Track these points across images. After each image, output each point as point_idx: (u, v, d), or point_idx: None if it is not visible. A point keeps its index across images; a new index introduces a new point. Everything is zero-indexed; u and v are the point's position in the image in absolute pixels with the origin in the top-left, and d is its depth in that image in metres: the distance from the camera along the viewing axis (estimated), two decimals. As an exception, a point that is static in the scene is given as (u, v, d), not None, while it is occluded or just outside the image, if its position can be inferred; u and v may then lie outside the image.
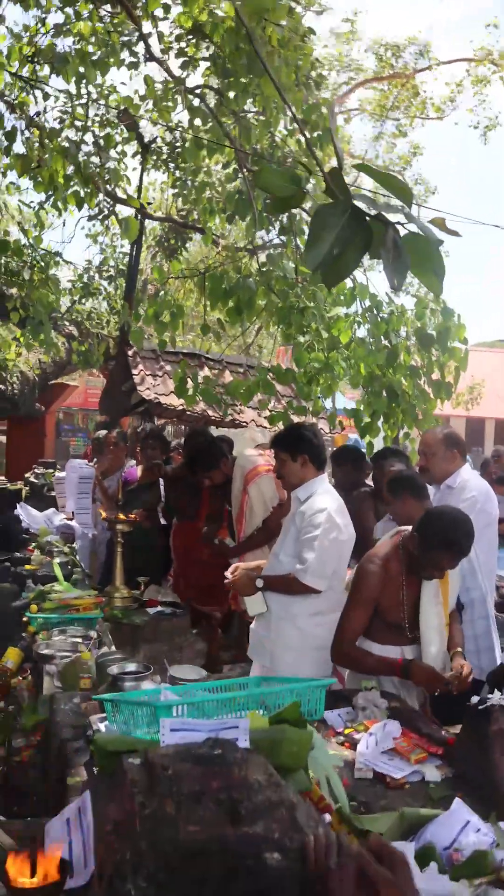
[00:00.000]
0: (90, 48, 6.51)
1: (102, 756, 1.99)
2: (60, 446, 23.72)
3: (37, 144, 6.87)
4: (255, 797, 1.72)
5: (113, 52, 6.32)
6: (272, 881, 1.61)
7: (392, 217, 2.27)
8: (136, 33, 7.09)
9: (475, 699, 2.90)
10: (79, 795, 2.10)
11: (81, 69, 6.35)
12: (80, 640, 4.31)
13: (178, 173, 9.04)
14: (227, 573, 4.99)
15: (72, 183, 6.96)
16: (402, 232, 2.24)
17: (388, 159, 22.47)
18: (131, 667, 3.19)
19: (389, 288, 2.25)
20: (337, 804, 2.33)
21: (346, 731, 3.25)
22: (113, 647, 4.27)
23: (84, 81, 6.32)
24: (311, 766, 2.32)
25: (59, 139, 6.68)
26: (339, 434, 9.60)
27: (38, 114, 6.82)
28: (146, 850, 1.60)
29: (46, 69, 6.66)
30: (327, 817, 2.23)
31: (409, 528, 4.10)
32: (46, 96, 6.79)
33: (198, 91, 7.25)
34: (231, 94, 6.63)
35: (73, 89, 6.68)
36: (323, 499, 4.44)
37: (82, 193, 7.16)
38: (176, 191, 9.19)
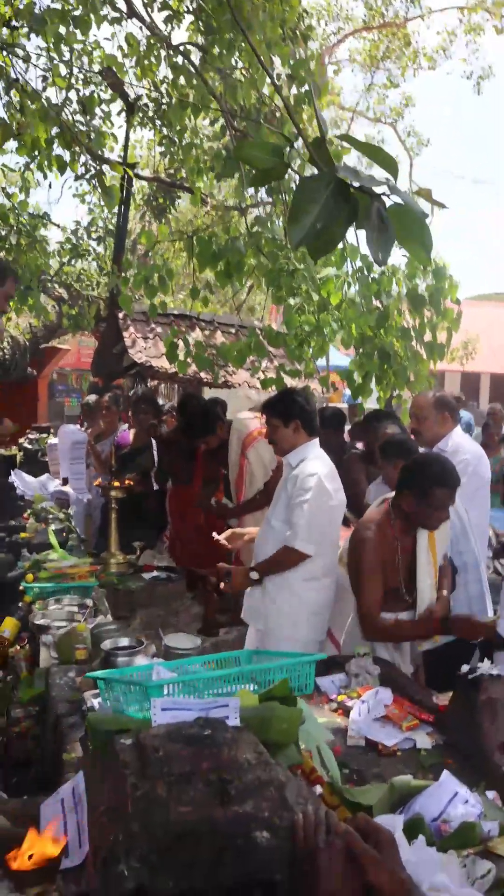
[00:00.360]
0: (70, 5, 6.40)
1: (96, 735, 2.01)
2: (55, 407, 23.69)
3: (18, 109, 6.77)
4: (244, 777, 1.75)
5: (94, 9, 6.20)
6: (262, 860, 1.63)
7: (378, 189, 2.26)
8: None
9: (465, 668, 2.92)
10: (74, 772, 2.13)
11: (62, 29, 6.25)
12: (76, 608, 4.34)
13: (164, 131, 8.91)
14: (221, 537, 5.02)
15: (54, 146, 6.88)
16: (389, 203, 2.23)
17: (379, 111, 22.24)
18: (124, 641, 3.21)
19: (374, 262, 2.23)
20: (328, 775, 2.36)
21: (339, 699, 3.29)
22: (109, 616, 4.30)
23: (63, 42, 6.20)
24: (303, 739, 2.35)
25: (42, 100, 6.57)
26: (334, 393, 9.60)
27: (16, 80, 6.69)
28: (138, 832, 1.62)
29: (25, 30, 6.55)
30: (318, 789, 2.26)
31: (393, 493, 4.15)
32: (27, 57, 6.67)
33: (181, 49, 7.13)
34: (216, 51, 6.53)
35: (52, 51, 6.55)
36: (314, 464, 4.45)
37: (66, 157, 7.08)
38: (163, 149, 9.08)
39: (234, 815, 1.67)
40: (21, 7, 6.48)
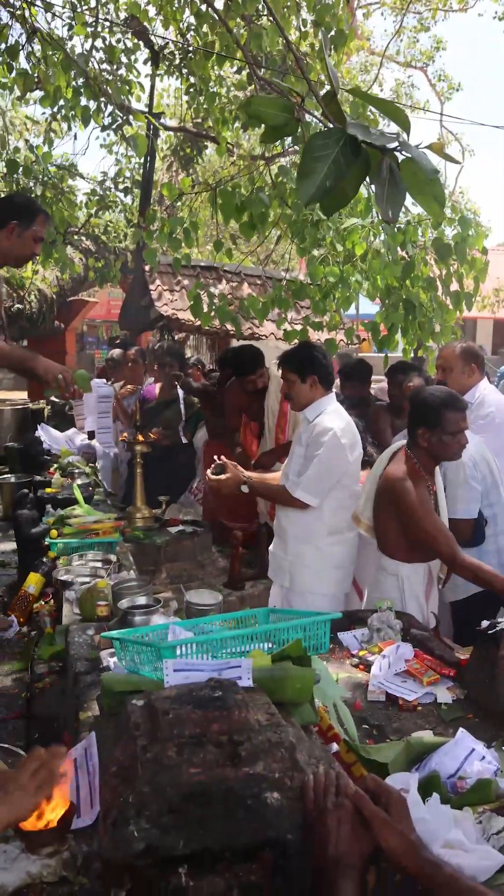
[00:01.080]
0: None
1: (108, 696, 2.02)
2: (85, 359, 23.72)
3: (40, 60, 6.69)
4: (254, 738, 1.75)
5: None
6: (272, 820, 1.64)
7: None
8: None
9: (485, 623, 2.91)
10: (89, 731, 2.14)
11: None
12: (99, 564, 4.36)
13: (191, 79, 8.79)
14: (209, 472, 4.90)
15: (79, 97, 6.81)
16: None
17: (409, 55, 21.78)
18: (142, 600, 3.22)
19: (384, 219, 2.18)
20: (344, 732, 2.37)
21: (361, 654, 3.30)
22: (132, 572, 4.32)
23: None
24: (319, 696, 2.36)
25: (65, 50, 6.49)
26: (363, 343, 9.54)
27: (34, 30, 6.60)
28: (148, 793, 1.63)
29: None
30: (335, 746, 2.27)
31: (403, 443, 4.21)
32: (49, 6, 6.58)
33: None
34: (240, -1, 6.40)
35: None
36: (331, 418, 4.43)
37: (91, 108, 7.01)
38: (188, 98, 8.97)
39: (245, 776, 1.68)
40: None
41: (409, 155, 2.13)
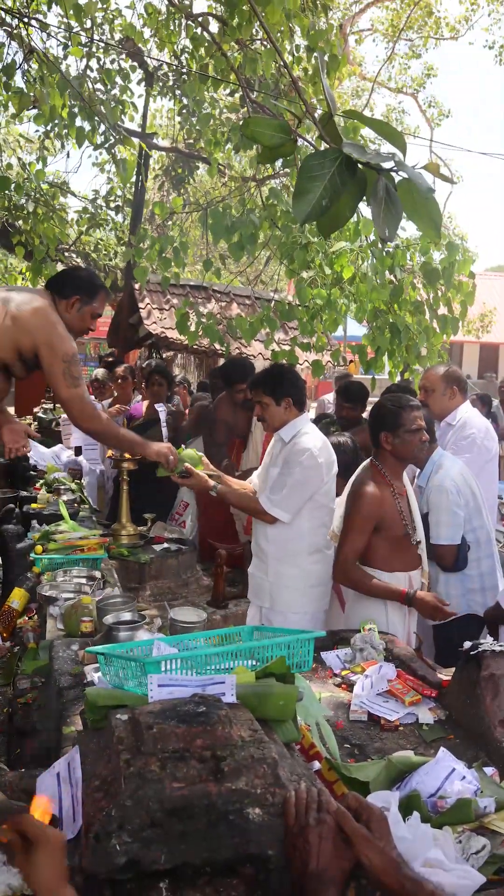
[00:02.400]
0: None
1: (92, 710, 2.03)
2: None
3: (36, 79, 6.75)
4: (237, 754, 1.76)
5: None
6: (254, 836, 1.65)
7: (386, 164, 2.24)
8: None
9: (468, 644, 2.93)
10: (72, 746, 2.15)
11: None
12: (84, 580, 4.36)
13: (184, 100, 8.88)
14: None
15: (75, 118, 6.86)
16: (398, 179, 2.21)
17: (401, 81, 21.99)
18: (127, 615, 3.23)
19: (381, 238, 2.22)
20: (326, 751, 2.38)
21: (344, 673, 3.31)
22: (117, 588, 4.31)
23: (82, 12, 6.16)
24: (301, 715, 2.37)
25: (60, 70, 6.55)
26: (353, 364, 9.62)
27: (31, 50, 6.65)
28: (131, 807, 1.64)
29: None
30: (316, 764, 2.28)
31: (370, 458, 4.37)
32: (45, 26, 6.64)
33: (200, 19, 7.07)
34: (234, 23, 6.47)
35: (71, 19, 6.51)
36: (307, 439, 4.49)
37: (85, 129, 7.06)
38: (181, 119, 9.05)
39: (227, 792, 1.69)
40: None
41: (406, 175, 2.16)
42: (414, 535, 4.26)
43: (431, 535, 4.64)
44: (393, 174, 2.23)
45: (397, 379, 6.73)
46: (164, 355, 11.87)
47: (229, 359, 6.53)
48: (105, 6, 8.70)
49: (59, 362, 4.00)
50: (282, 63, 4.58)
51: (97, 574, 4.43)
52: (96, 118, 6.81)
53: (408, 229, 6.49)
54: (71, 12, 6.13)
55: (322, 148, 2.28)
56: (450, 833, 2.08)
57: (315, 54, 6.35)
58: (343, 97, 18.45)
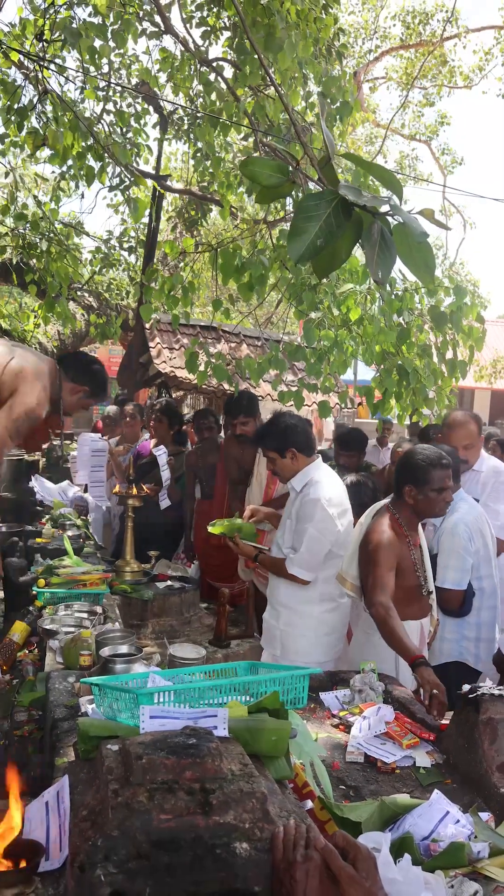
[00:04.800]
0: (106, 20, 6.48)
1: (84, 741, 2.02)
2: (85, 414, 23.72)
3: (50, 119, 6.85)
4: (226, 787, 1.75)
5: (128, 25, 6.27)
6: (241, 871, 1.64)
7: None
8: (153, 4, 7.06)
9: (466, 687, 2.91)
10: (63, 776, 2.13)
11: (98, 42, 6.32)
12: (85, 615, 4.35)
13: (199, 144, 8.99)
14: (245, 516, 5.09)
15: (87, 158, 6.95)
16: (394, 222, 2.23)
17: (414, 128, 22.25)
18: (123, 648, 3.23)
19: (374, 281, 2.24)
20: (320, 791, 2.36)
21: (342, 714, 3.29)
22: (117, 624, 4.30)
23: (97, 56, 6.26)
24: (296, 752, 2.35)
25: (73, 112, 6.64)
26: (361, 406, 9.63)
27: (45, 91, 6.76)
28: (118, 837, 1.63)
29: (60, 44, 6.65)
30: (309, 803, 2.26)
31: (385, 501, 4.31)
32: (62, 69, 6.75)
33: (214, 64, 7.18)
34: (247, 70, 6.56)
35: (87, 63, 6.62)
36: (317, 488, 4.48)
37: (95, 169, 7.15)
38: (195, 163, 9.15)
39: (215, 825, 1.68)
40: (58, 20, 6.57)
41: (401, 219, 2.19)
42: (426, 585, 4.24)
43: (438, 578, 4.62)
44: (388, 218, 2.26)
45: (406, 422, 6.74)
46: (173, 395, 11.93)
47: (230, 394, 6.56)
48: (123, 51, 8.85)
49: (18, 407, 4.18)
50: (288, 109, 4.63)
51: (98, 609, 4.43)
52: (108, 158, 6.89)
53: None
54: (87, 56, 6.23)
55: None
56: (442, 877, 2.05)
57: (316, 96, 6.43)
58: (357, 143, 18.66)
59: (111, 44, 6.65)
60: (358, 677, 3.48)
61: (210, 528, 5.15)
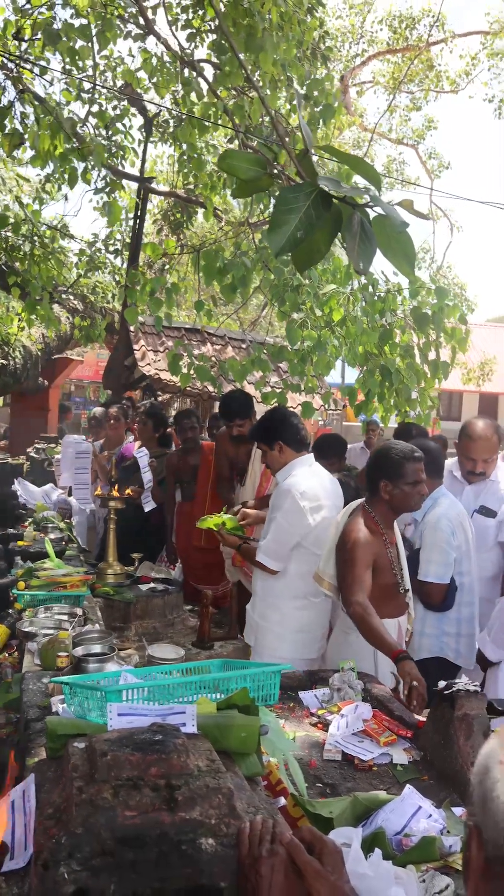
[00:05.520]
0: (87, 21, 6.47)
1: (52, 739, 2.01)
2: (74, 419, 23.76)
3: (31, 120, 6.83)
4: (192, 783, 1.74)
5: (109, 26, 6.26)
6: (206, 867, 1.62)
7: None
8: (136, 6, 7.05)
9: (442, 683, 2.90)
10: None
11: (80, 42, 6.31)
12: (65, 617, 4.33)
13: (184, 146, 9.00)
14: (238, 517, 5.11)
15: (69, 160, 6.94)
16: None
17: (401, 132, 22.31)
18: (97, 648, 3.21)
19: (355, 271, 2.23)
20: (293, 787, 2.35)
21: (320, 713, 3.28)
22: (97, 625, 4.28)
23: (77, 57, 6.25)
24: (269, 749, 2.34)
25: (53, 113, 6.63)
26: (349, 409, 9.66)
27: (22, 91, 6.74)
28: (82, 835, 1.61)
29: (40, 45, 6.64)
30: (282, 800, 2.25)
31: (360, 500, 4.29)
32: (44, 71, 6.74)
33: (196, 66, 7.19)
34: (227, 70, 6.57)
35: (69, 64, 6.61)
36: (295, 479, 4.50)
37: (79, 170, 7.14)
38: (179, 165, 9.16)
39: (180, 821, 1.67)
40: (38, 20, 6.56)
41: (380, 210, 2.18)
42: (402, 583, 4.23)
43: (420, 572, 4.63)
44: (368, 210, 2.26)
45: (390, 424, 6.74)
46: (159, 398, 11.91)
47: (228, 393, 6.51)
48: (108, 53, 8.85)
49: None
50: (268, 109, 4.63)
51: (78, 611, 4.41)
52: (90, 159, 6.88)
53: (398, 274, 6.50)
54: (67, 58, 6.21)
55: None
56: (413, 871, 2.04)
57: (293, 90, 6.44)
58: (344, 147, 18.67)
59: (93, 45, 6.64)
60: (337, 676, 3.47)
61: (198, 524, 5.16)
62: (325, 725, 3.16)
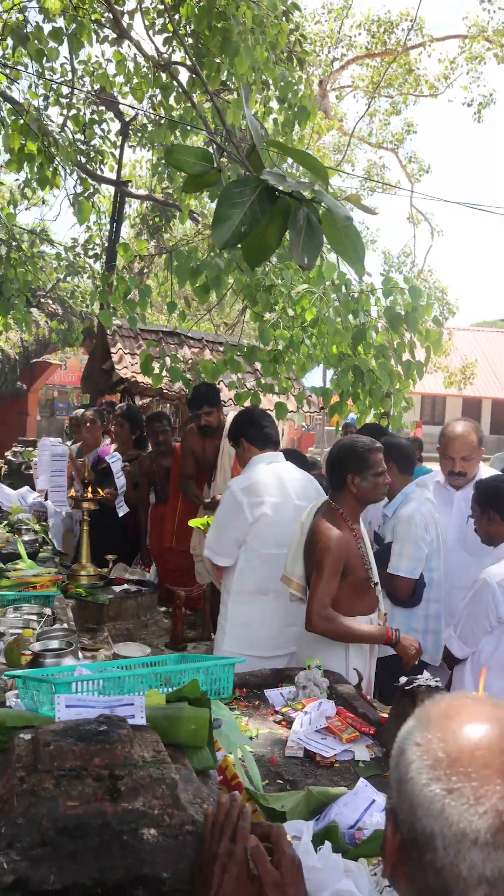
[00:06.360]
0: (60, 24, 6.47)
1: (0, 732, 2.00)
2: (55, 424, 23.78)
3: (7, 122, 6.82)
4: (135, 773, 1.73)
5: (81, 28, 6.26)
6: (147, 857, 1.62)
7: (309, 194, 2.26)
8: (108, 12, 7.06)
9: (403, 679, 2.91)
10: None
11: (52, 44, 6.31)
12: (34, 617, 4.31)
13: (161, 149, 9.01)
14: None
15: (41, 163, 6.93)
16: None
17: (381, 136, 22.38)
18: (54, 643, 3.21)
19: (299, 266, 2.24)
20: (249, 781, 2.34)
21: (284, 710, 3.28)
22: (65, 625, 4.27)
23: (46, 59, 6.24)
24: (224, 744, 2.34)
25: (30, 117, 6.62)
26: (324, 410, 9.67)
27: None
28: (22, 825, 1.61)
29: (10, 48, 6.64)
30: (237, 795, 2.24)
31: (324, 497, 4.33)
32: (17, 74, 6.73)
33: (171, 69, 7.19)
34: (204, 73, 6.58)
35: (37, 65, 6.60)
36: (240, 477, 4.58)
37: (50, 173, 7.13)
38: (155, 167, 9.17)
39: (123, 811, 1.66)
40: (11, 21, 6.55)
41: (326, 204, 2.19)
42: (372, 577, 4.24)
43: (391, 565, 4.64)
44: (316, 205, 2.26)
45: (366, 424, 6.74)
46: (137, 402, 11.89)
47: (196, 386, 6.50)
48: (87, 58, 8.85)
49: None
50: (215, 105, 4.65)
51: (47, 611, 4.39)
52: (59, 161, 6.86)
53: (372, 275, 6.52)
54: (36, 60, 6.21)
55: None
56: (365, 864, 2.04)
57: (242, 85, 6.44)
58: (323, 151, 18.73)
59: (67, 48, 6.65)
60: (302, 674, 3.48)
61: (190, 523, 5.23)
62: (289, 723, 3.15)
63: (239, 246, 2.30)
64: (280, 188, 2.20)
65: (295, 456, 6.77)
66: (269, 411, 8.70)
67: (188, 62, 7.48)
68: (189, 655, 2.91)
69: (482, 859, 1.05)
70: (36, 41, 5.97)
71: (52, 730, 1.81)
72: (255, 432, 4.63)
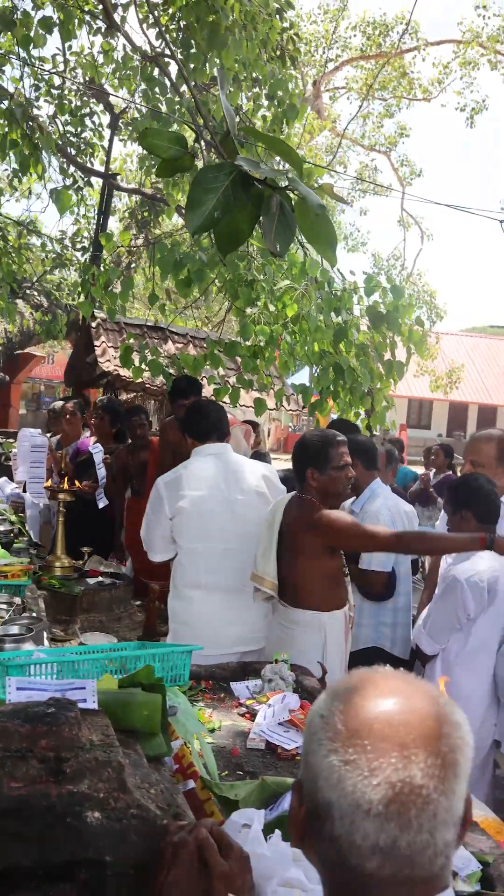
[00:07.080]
0: (48, 13, 6.46)
1: (-50, 714, 1.98)
2: (41, 417, 23.74)
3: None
4: (81, 756, 1.72)
5: (69, 17, 6.24)
6: (91, 840, 1.61)
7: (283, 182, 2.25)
8: (99, 3, 7.05)
9: (365, 672, 2.90)
10: None
11: (40, 31, 6.28)
12: (3, 606, 4.28)
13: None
14: None
15: (19, 145, 6.86)
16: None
17: (374, 139, 22.41)
18: (14, 629, 3.19)
19: (271, 253, 2.23)
20: (204, 770, 2.33)
21: (248, 703, 3.27)
22: (35, 614, 4.24)
23: (32, 45, 6.21)
24: (181, 732, 2.32)
25: (15, 102, 6.58)
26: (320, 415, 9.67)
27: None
28: (-36, 806, 1.59)
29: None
30: (191, 783, 2.23)
31: (289, 495, 4.30)
32: (4, 60, 6.71)
33: (157, 61, 7.18)
34: (191, 66, 6.57)
35: (23, 51, 6.56)
36: (168, 472, 4.58)
37: (32, 162, 7.08)
38: (139, 159, 9.16)
39: (67, 794, 1.65)
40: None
41: (299, 192, 2.18)
42: (345, 567, 4.24)
43: (363, 560, 4.65)
44: (290, 193, 2.25)
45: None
46: (120, 396, 11.88)
47: (176, 378, 6.46)
48: (80, 49, 8.82)
49: None
50: (188, 84, 4.64)
51: (17, 601, 4.36)
52: (39, 146, 6.83)
53: (355, 273, 6.51)
54: (22, 46, 6.19)
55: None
56: (316, 853, 2.03)
57: (217, 70, 6.42)
58: (315, 152, 18.74)
59: (57, 37, 6.63)
60: (269, 667, 3.47)
61: None
62: (253, 715, 3.15)
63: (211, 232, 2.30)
64: (253, 173, 2.19)
65: (262, 459, 6.79)
66: (247, 407, 8.73)
67: (176, 55, 7.48)
68: (150, 643, 2.89)
69: (375, 829, 1.08)
70: (24, 28, 5.94)
71: (1, 712, 1.80)
72: (192, 425, 4.60)
